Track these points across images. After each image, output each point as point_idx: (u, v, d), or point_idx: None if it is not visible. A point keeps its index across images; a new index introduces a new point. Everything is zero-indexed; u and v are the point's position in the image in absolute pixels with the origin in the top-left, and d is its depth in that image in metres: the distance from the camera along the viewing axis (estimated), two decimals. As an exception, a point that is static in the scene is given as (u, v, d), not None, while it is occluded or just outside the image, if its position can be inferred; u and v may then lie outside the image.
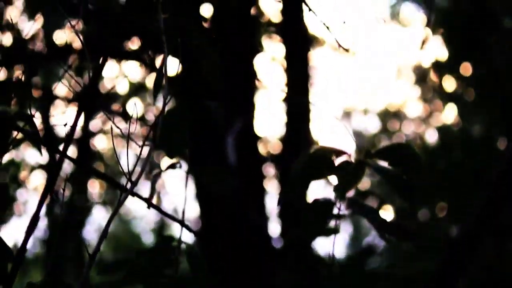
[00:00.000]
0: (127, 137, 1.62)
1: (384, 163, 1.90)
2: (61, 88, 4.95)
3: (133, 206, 8.66)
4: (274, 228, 4.36)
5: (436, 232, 5.20)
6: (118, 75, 5.28)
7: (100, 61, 1.85)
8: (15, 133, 1.70)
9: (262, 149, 5.07)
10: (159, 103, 1.79)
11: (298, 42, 4.84)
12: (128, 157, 1.60)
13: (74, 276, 6.35)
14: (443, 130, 6.46)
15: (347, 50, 2.40)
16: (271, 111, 5.87)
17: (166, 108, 1.72)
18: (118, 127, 1.62)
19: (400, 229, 2.02)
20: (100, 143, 6.41)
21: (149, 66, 4.09)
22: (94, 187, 6.79)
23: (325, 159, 1.89)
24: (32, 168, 5.82)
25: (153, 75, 2.12)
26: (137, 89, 5.45)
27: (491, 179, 3.33)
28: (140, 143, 1.69)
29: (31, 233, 1.70)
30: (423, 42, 5.10)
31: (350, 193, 1.96)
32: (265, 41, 5.38)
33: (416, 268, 4.62)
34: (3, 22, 3.74)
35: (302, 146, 4.66)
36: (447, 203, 5.58)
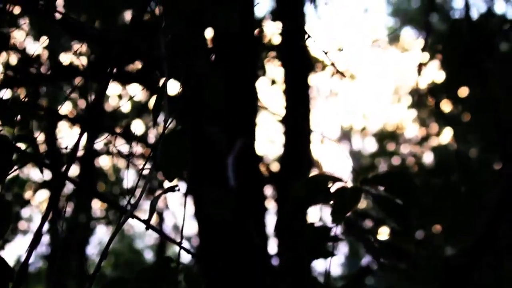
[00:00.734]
0: (128, 159, 1.68)
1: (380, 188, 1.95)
2: (65, 109, 5.02)
3: (135, 222, 8.67)
4: (272, 247, 4.41)
5: (432, 251, 5.24)
6: (121, 96, 5.36)
7: (104, 83, 1.89)
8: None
9: (262, 169, 5.12)
10: (161, 125, 1.83)
11: (298, 65, 4.90)
12: (129, 178, 1.67)
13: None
14: (439, 151, 6.52)
15: (344, 75, 2.47)
16: (271, 132, 5.94)
17: (167, 130, 1.77)
18: (118, 150, 1.68)
19: (395, 251, 2.08)
20: (104, 162, 6.47)
21: (151, 89, 4.14)
22: (97, 205, 6.84)
23: (322, 186, 1.95)
24: (37, 187, 5.89)
25: (155, 97, 2.14)
26: (140, 110, 5.51)
27: (489, 202, 3.38)
28: (141, 164, 1.74)
29: (33, 249, 1.76)
30: (421, 66, 5.18)
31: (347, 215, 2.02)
32: (267, 63, 5.45)
33: (413, 288, 4.65)
34: (9, 44, 3.80)
35: (301, 167, 4.71)
36: (442, 224, 5.62)
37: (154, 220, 2.27)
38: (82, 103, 5.29)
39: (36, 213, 6.16)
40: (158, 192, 2.20)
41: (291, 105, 4.87)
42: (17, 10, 3.13)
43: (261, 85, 5.36)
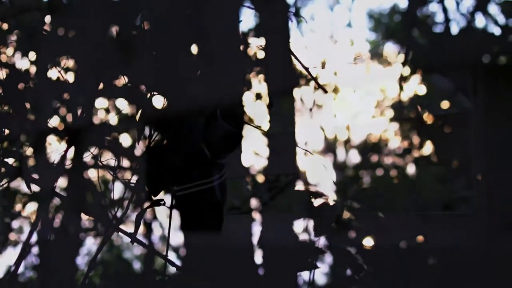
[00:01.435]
0: (114, 173, 1.76)
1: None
2: (53, 122, 5.06)
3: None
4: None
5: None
6: (109, 109, 5.42)
7: (91, 97, 1.96)
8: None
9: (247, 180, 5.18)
10: (146, 139, 1.89)
11: (282, 79, 4.99)
12: (116, 191, 1.74)
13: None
14: (421, 163, 6.61)
15: (325, 91, 2.56)
16: (256, 145, 6.02)
17: (151, 145, 1.84)
18: (103, 164, 1.76)
19: (378, 262, 2.17)
20: (92, 175, 6.49)
21: (137, 103, 4.20)
22: (85, 216, 6.85)
23: (304, 201, 2.04)
24: (27, 199, 5.93)
25: (140, 112, 2.18)
26: (127, 123, 5.56)
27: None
28: (128, 177, 1.82)
29: (22, 260, 1.83)
30: (402, 81, 5.28)
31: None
32: (252, 78, 5.55)
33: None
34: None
35: (286, 180, 4.79)
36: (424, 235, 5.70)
37: (141, 231, 2.33)
38: (69, 117, 5.34)
39: (26, 224, 6.20)
40: (145, 205, 2.26)
41: (275, 118, 4.95)
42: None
43: (246, 99, 5.45)
